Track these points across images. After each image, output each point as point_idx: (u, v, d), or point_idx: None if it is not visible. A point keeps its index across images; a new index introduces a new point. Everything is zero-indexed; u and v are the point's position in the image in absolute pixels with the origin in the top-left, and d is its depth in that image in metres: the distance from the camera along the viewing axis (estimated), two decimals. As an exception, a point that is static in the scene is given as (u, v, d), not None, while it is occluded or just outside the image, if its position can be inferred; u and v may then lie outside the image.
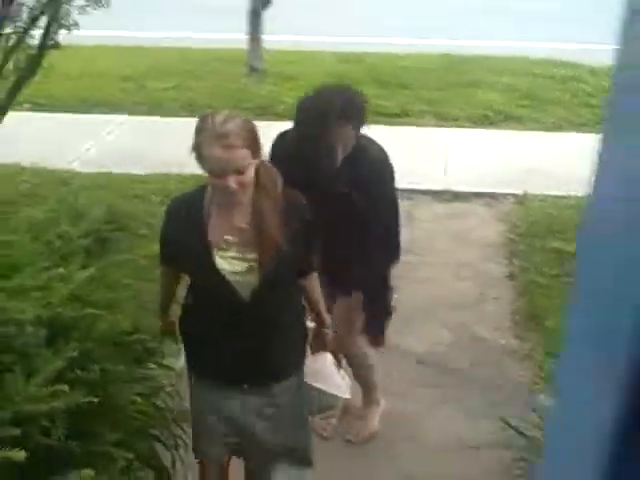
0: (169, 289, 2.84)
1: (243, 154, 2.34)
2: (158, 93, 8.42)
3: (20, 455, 1.88)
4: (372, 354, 3.68)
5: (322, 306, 2.92)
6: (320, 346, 2.96)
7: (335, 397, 3.04)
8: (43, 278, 2.29)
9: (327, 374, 3.00)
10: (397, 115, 7.70)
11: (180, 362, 2.98)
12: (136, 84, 8.70)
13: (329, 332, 2.97)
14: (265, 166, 2.51)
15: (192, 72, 9.13)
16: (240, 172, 2.34)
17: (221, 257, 2.51)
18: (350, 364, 3.65)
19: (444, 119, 7.68)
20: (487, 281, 5.01)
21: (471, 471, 3.50)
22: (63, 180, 6.07)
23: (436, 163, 6.69)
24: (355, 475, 3.55)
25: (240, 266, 2.51)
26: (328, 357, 3.01)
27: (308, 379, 2.91)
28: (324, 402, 3.02)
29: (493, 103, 8.00)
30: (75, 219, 2.92)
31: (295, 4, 11.15)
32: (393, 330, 3.72)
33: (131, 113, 7.78)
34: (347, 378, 3.21)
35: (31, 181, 6.02)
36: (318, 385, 2.95)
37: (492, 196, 6.14)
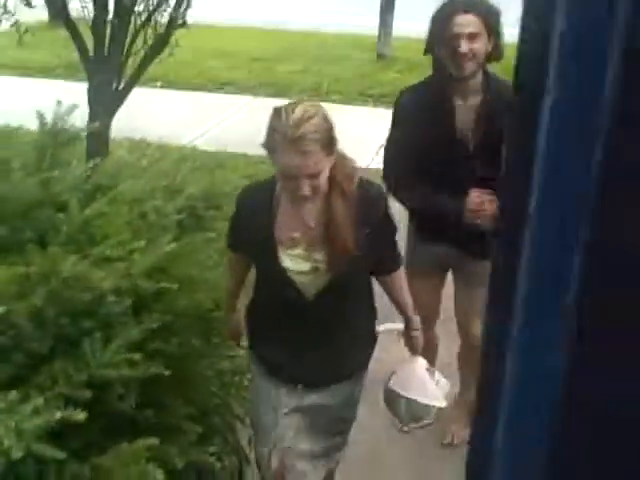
0: (236, 276, 2.74)
1: (318, 158, 2.17)
2: (285, 75, 8.51)
3: (81, 416, 1.92)
4: None
5: (410, 307, 2.72)
6: (411, 350, 2.79)
7: (427, 407, 2.81)
8: (126, 249, 2.33)
9: (417, 381, 2.80)
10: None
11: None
12: (264, 66, 8.83)
13: (419, 334, 2.77)
14: (341, 160, 2.32)
15: (321, 56, 9.18)
16: (314, 176, 2.18)
17: (286, 255, 2.39)
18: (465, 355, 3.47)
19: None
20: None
21: None
22: (184, 156, 6.25)
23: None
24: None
25: (306, 265, 2.39)
26: (419, 362, 2.81)
27: (397, 387, 2.77)
28: (414, 412, 2.82)
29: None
30: (173, 194, 2.97)
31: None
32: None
33: (256, 95, 7.91)
34: (445, 383, 2.91)
35: (154, 155, 6.23)
36: (406, 394, 2.78)
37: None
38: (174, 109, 7.49)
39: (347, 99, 7.84)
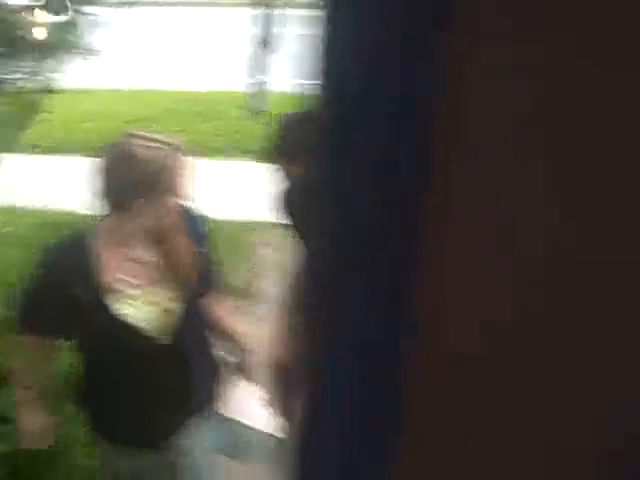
0: (45, 362, 2.23)
1: None
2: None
3: None
4: None
5: (239, 333, 2.46)
6: (241, 374, 2.52)
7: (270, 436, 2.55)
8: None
9: (255, 407, 2.55)
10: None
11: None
12: (141, 127, 8.80)
13: (248, 361, 2.51)
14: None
15: (198, 115, 9.24)
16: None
17: (123, 302, 2.05)
18: None
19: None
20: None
21: None
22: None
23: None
24: None
25: (149, 309, 2.08)
26: (251, 386, 2.57)
27: (235, 415, 2.53)
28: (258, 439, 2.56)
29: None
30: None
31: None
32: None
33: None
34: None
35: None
36: (247, 421, 2.56)
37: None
38: (48, 175, 7.35)
39: (228, 155, 7.92)
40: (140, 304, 2.07)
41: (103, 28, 6.74)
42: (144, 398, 2.15)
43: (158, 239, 2.06)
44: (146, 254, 2.07)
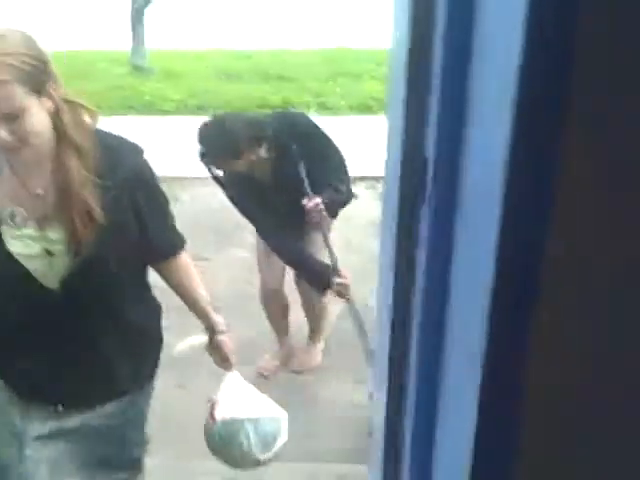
0: None
1: (13, 92, 1.59)
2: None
3: None
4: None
5: (207, 302, 2.15)
6: (222, 361, 2.22)
7: (276, 420, 2.30)
8: None
9: (249, 398, 2.30)
10: (281, 106, 7.88)
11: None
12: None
13: (227, 339, 2.19)
14: (72, 107, 1.74)
15: (74, 73, 9.07)
16: (11, 118, 1.62)
17: (12, 237, 1.81)
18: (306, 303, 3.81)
19: (328, 109, 7.90)
20: (374, 256, 5.23)
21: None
22: None
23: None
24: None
25: (39, 247, 1.82)
26: (237, 376, 2.27)
27: (231, 414, 2.24)
28: (265, 434, 2.27)
29: (374, 92, 8.27)
30: None
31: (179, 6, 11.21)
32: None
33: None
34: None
35: None
36: (248, 416, 2.25)
37: (375, 179, 6.39)
38: None
39: (110, 112, 7.84)
40: (28, 241, 1.82)
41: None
42: (38, 353, 1.93)
43: (56, 165, 1.75)
44: (41, 183, 1.79)
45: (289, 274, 3.83)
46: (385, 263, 1.10)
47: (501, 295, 0.62)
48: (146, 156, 1.92)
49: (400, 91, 1.02)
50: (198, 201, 5.82)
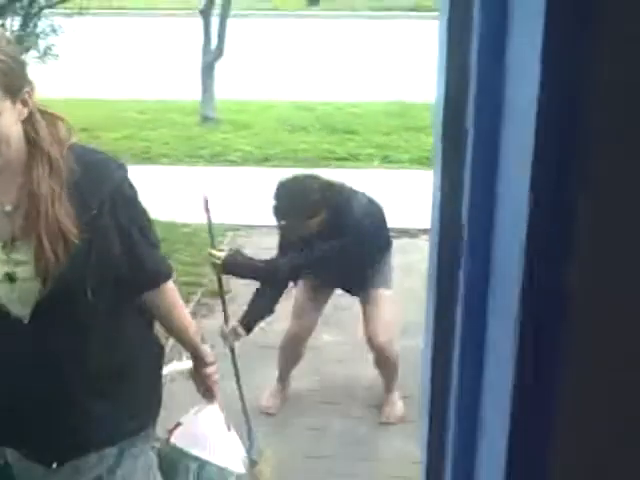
0: None
1: None
2: (112, 143, 8.60)
3: None
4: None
5: (194, 333, 1.98)
6: (206, 394, 2.09)
7: (225, 471, 2.13)
8: None
9: (213, 437, 2.14)
10: (345, 159, 7.99)
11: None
12: (90, 135, 8.87)
13: (214, 371, 2.04)
14: (47, 118, 1.63)
15: (148, 122, 9.35)
16: None
17: None
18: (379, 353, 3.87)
19: (391, 162, 7.98)
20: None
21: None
22: None
23: (383, 203, 6.94)
24: None
25: (1, 271, 1.60)
26: (215, 411, 2.14)
27: (183, 443, 2.10)
28: (208, 476, 2.10)
29: (437, 146, 8.34)
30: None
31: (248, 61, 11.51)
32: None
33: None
34: (239, 442, 2.27)
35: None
36: (198, 452, 2.09)
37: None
38: None
39: (177, 161, 8.05)
40: None
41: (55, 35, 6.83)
42: (11, 396, 1.71)
43: (26, 179, 1.59)
44: (8, 198, 1.61)
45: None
46: (427, 324, 1.15)
47: (528, 354, 0.67)
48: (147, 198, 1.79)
49: (438, 152, 1.08)
50: (261, 248, 5.92)
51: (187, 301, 5.10)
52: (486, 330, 0.90)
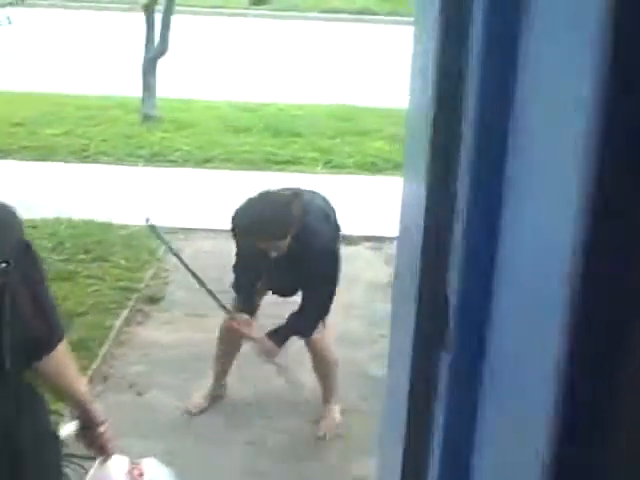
0: None
1: None
2: (50, 139, 8.35)
3: None
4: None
5: (83, 395, 1.83)
6: (100, 452, 1.99)
7: None
8: None
9: None
10: (288, 162, 7.89)
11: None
12: (27, 130, 8.60)
13: (104, 428, 1.93)
14: None
15: (84, 119, 9.10)
16: None
17: None
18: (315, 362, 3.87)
19: (335, 167, 7.91)
20: (376, 321, 5.17)
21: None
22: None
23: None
24: None
25: None
26: (119, 462, 2.08)
27: None
28: None
29: (382, 151, 8.29)
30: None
31: (189, 58, 11.33)
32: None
33: (19, 159, 7.69)
34: None
35: None
36: None
37: (381, 240, 6.35)
38: None
39: (116, 160, 7.85)
40: None
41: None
42: None
43: None
44: None
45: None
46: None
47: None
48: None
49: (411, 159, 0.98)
50: (201, 252, 5.78)
51: (122, 307, 4.95)
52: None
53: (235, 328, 3.72)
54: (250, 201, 3.47)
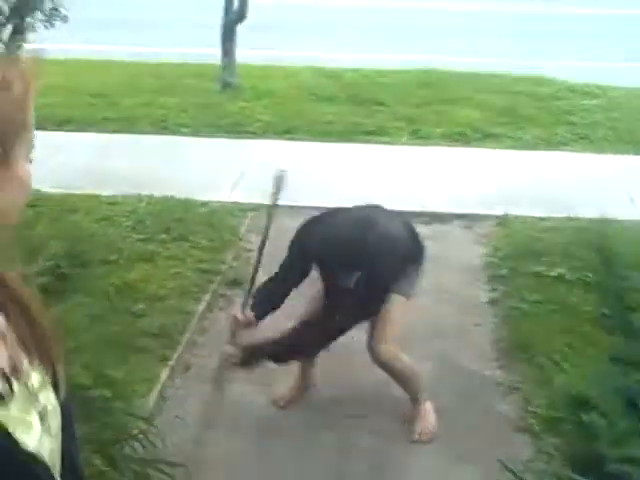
0: None
1: None
2: (129, 110, 8.21)
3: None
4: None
5: None
6: None
7: None
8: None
9: None
10: (373, 133, 7.56)
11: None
12: (106, 101, 8.49)
13: None
14: None
15: (165, 88, 8.93)
16: None
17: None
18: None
19: (421, 137, 7.55)
20: (468, 307, 4.86)
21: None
22: (29, 202, 5.84)
23: (413, 183, 6.54)
24: None
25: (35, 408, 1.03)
26: None
27: None
28: None
29: (471, 120, 7.88)
30: (32, 254, 2.70)
31: (272, 21, 11.05)
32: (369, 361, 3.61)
33: (100, 131, 7.57)
34: None
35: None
36: None
37: (472, 218, 6.00)
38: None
39: (195, 131, 7.66)
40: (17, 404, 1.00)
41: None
42: None
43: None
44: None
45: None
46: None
47: None
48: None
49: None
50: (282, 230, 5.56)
51: (203, 291, 4.76)
52: None
53: (237, 320, 3.55)
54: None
